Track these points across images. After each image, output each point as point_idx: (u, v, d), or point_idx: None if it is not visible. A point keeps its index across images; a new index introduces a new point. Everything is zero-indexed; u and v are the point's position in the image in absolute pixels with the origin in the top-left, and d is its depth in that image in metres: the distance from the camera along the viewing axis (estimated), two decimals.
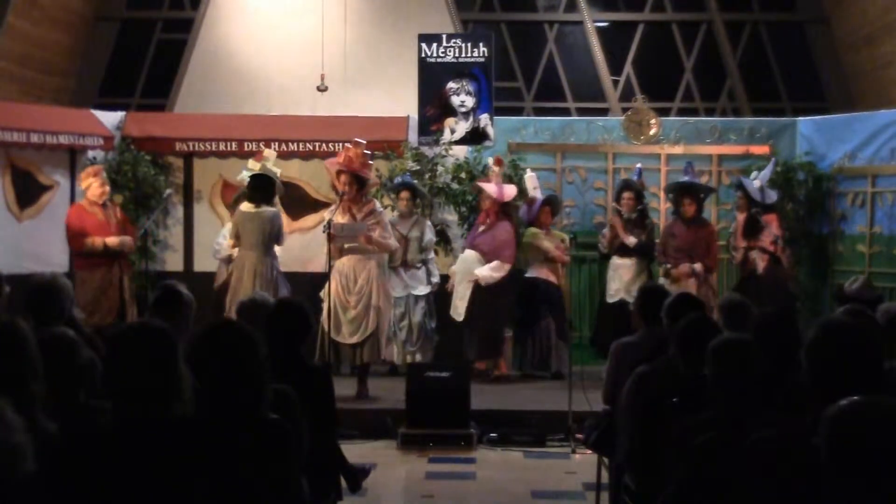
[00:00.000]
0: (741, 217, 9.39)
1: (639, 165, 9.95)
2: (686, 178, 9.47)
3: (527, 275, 9.52)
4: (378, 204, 8.77)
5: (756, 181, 9.44)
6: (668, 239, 9.35)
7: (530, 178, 9.64)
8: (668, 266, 9.22)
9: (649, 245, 9.37)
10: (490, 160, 9.65)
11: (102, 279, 8.73)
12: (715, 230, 9.58)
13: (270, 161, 9.26)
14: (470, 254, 9.33)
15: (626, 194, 9.43)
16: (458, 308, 9.29)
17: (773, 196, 9.45)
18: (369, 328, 8.47)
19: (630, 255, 9.35)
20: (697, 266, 9.13)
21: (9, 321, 3.16)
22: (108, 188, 8.92)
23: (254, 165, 9.19)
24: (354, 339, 8.44)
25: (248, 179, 8.86)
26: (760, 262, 9.21)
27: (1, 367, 3.02)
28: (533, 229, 9.52)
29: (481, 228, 9.33)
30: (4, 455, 2.28)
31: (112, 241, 8.71)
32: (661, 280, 9.14)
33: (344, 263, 8.53)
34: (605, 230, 9.64)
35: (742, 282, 9.34)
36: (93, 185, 8.80)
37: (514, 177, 9.99)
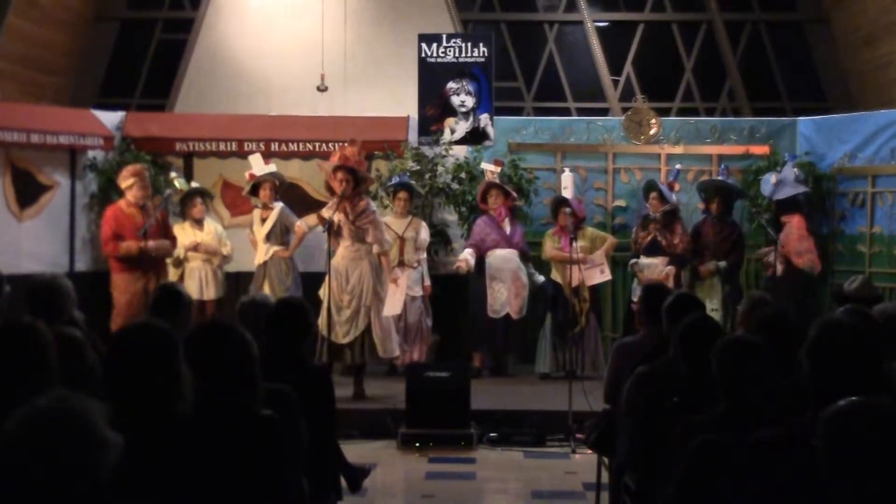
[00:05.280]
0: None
1: (678, 166, 9.86)
2: (720, 178, 9.57)
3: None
4: (371, 203, 8.75)
5: (772, 176, 9.46)
6: (697, 237, 9.41)
7: (565, 178, 9.64)
8: (695, 263, 9.27)
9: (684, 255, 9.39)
10: (487, 164, 9.67)
11: (135, 286, 8.54)
12: (741, 230, 9.55)
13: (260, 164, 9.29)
14: (510, 252, 9.43)
15: (652, 194, 9.41)
16: (513, 306, 9.41)
17: (785, 192, 9.41)
18: (360, 327, 8.46)
19: (656, 255, 9.33)
20: (721, 263, 9.19)
21: (30, 323, 3.15)
22: (149, 191, 8.83)
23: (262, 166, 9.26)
24: (347, 339, 8.43)
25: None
26: (779, 265, 9.21)
27: (19, 371, 3.01)
28: (548, 232, 9.62)
29: (508, 228, 9.48)
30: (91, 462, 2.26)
31: (152, 245, 8.59)
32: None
33: (339, 262, 8.53)
34: (635, 232, 9.57)
35: (765, 285, 9.37)
36: (134, 187, 8.64)
37: (513, 177, 10.00)
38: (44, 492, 2.17)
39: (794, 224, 9.30)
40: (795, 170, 9.58)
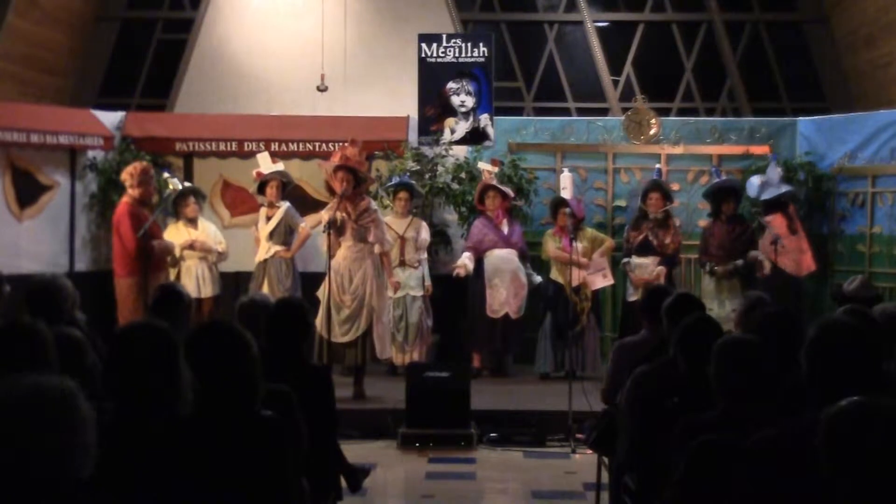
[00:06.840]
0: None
1: (658, 166, 9.89)
2: (722, 178, 9.58)
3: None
4: (372, 202, 8.75)
5: (757, 178, 9.46)
6: (709, 239, 9.40)
7: (564, 178, 9.63)
8: (713, 264, 9.26)
9: (673, 254, 9.39)
10: (485, 164, 9.68)
11: (140, 288, 8.38)
12: (752, 227, 9.54)
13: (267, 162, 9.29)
14: (509, 252, 9.43)
15: (654, 194, 9.37)
16: (512, 306, 9.42)
17: (770, 193, 9.40)
18: (362, 328, 8.47)
19: (647, 254, 9.32)
20: (740, 262, 9.20)
21: (30, 323, 3.15)
22: (155, 188, 8.84)
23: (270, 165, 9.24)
24: (346, 339, 8.44)
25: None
26: (766, 264, 9.20)
27: (19, 371, 3.01)
28: (548, 232, 9.62)
29: (506, 229, 9.47)
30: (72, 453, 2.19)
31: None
32: (706, 279, 9.33)
33: (339, 262, 8.53)
34: (627, 231, 9.57)
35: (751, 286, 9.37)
36: (142, 185, 8.54)
37: (513, 177, 9.99)
38: (20, 484, 2.10)
39: (776, 224, 9.29)
40: (779, 169, 9.57)
